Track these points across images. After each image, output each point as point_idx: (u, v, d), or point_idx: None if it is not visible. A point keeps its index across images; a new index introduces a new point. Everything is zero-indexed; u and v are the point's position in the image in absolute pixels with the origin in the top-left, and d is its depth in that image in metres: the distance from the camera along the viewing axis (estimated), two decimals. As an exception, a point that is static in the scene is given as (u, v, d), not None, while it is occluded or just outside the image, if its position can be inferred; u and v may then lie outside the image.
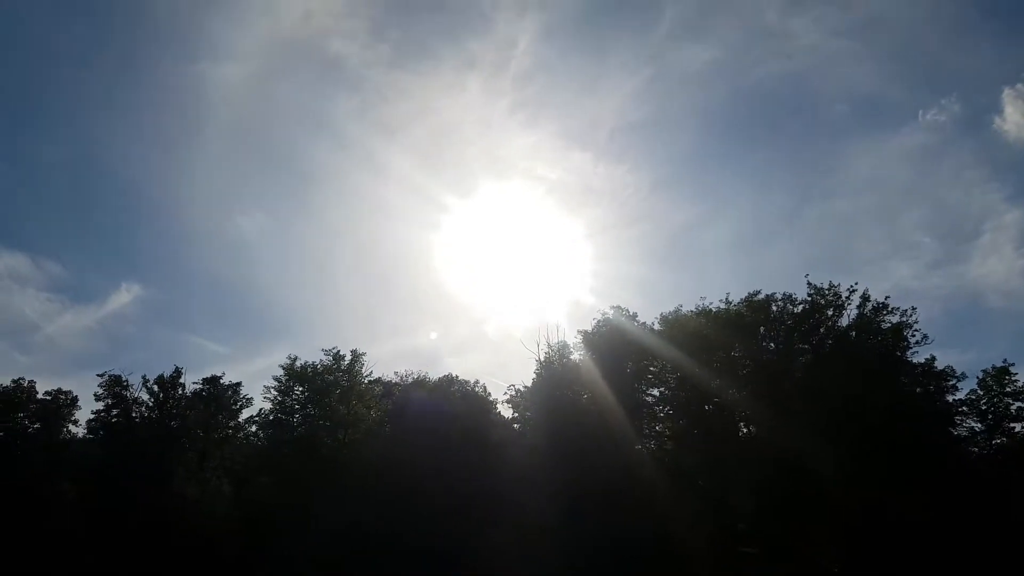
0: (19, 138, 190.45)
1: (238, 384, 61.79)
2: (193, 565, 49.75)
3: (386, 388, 67.46)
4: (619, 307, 58.07)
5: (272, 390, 59.42)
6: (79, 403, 60.89)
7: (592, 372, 54.21)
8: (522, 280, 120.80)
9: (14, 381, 59.97)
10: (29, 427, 59.55)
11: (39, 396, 59.79)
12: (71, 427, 60.50)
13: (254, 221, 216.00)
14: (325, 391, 59.48)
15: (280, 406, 59.64)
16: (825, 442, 42.77)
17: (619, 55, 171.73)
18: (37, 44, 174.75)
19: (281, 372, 59.77)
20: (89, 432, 58.82)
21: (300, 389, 60.01)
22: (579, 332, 58.36)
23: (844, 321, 50.73)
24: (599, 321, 57.60)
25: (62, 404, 59.78)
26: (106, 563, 49.16)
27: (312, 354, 62.46)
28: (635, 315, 57.50)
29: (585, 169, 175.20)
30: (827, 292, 51.18)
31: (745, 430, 53.02)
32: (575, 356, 58.25)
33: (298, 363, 59.96)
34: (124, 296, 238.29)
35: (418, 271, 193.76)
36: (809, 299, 51.65)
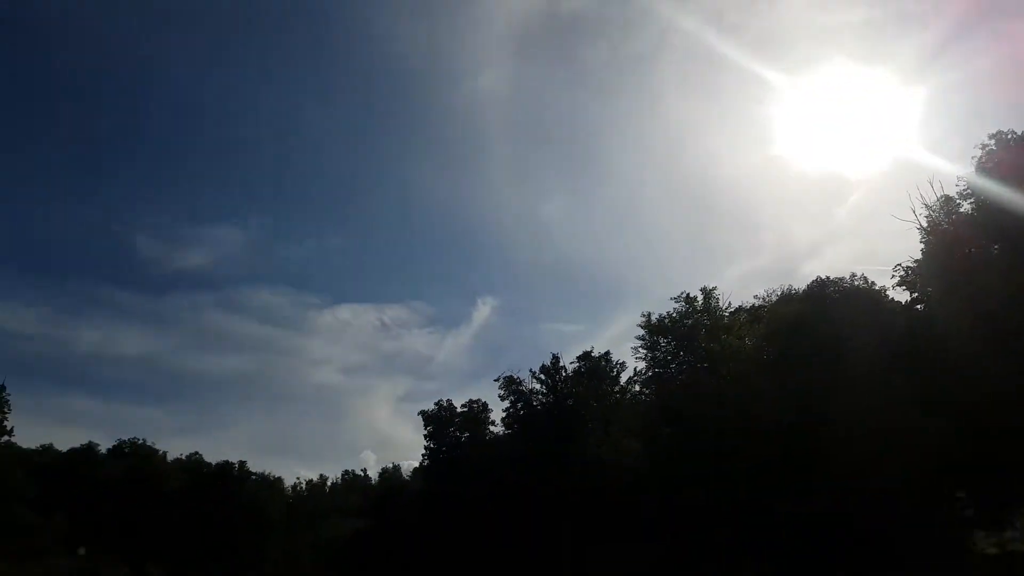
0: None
1: (607, 353, 66.02)
2: (617, 517, 54.42)
3: (751, 314, 65.29)
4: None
5: (640, 349, 62.14)
6: (489, 407, 70.99)
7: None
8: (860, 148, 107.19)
9: (436, 403, 72.27)
10: (460, 436, 71.30)
11: (459, 410, 71.15)
12: (491, 427, 70.86)
13: (554, 204, 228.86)
14: (689, 334, 60.09)
15: (653, 361, 61.97)
16: None
17: None
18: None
19: (641, 332, 62.16)
20: (506, 428, 68.29)
21: (665, 341, 61.56)
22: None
23: None
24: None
25: (478, 411, 70.31)
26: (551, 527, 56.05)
27: (660, 306, 63.17)
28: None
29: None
30: None
31: None
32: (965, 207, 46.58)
33: (653, 317, 61.65)
34: (483, 310, 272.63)
35: (740, 188, 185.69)
36: None
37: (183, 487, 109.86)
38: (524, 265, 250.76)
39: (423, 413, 72.55)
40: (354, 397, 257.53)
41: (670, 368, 61.52)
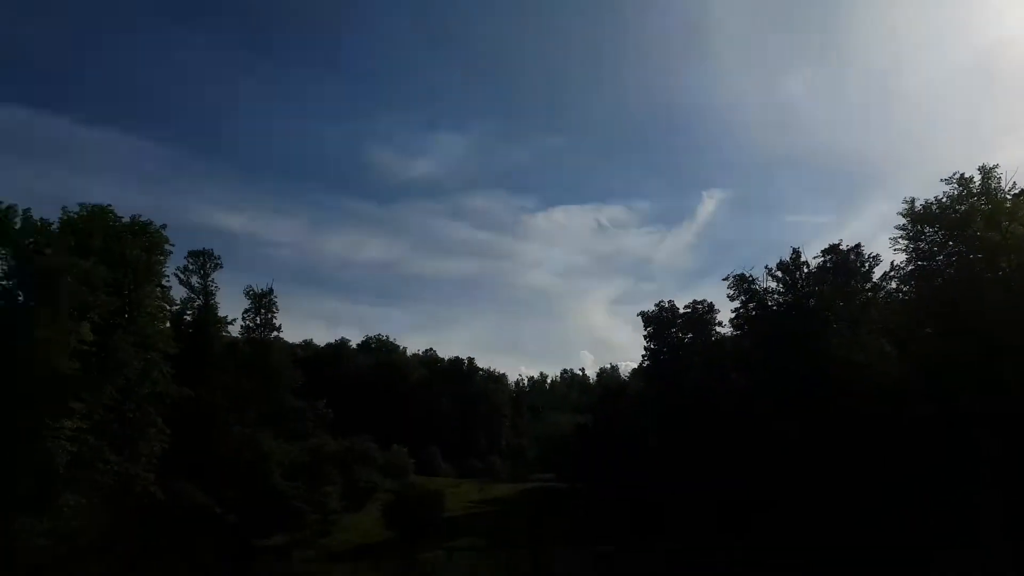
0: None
1: (857, 246, 58.76)
2: (874, 426, 49.25)
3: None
4: None
5: (899, 240, 54.35)
6: (716, 307, 67.12)
7: None
8: None
9: (657, 304, 69.74)
10: (683, 338, 68.52)
11: (681, 311, 68.18)
12: (717, 329, 67.18)
13: (794, 85, 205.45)
14: (962, 222, 51.36)
15: (915, 254, 54.18)
16: None
17: None
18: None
19: (902, 221, 54.27)
20: (735, 329, 64.28)
21: (931, 230, 53.33)
22: None
23: None
24: None
25: (703, 312, 66.79)
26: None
27: (924, 191, 54.74)
28: None
29: None
30: None
31: None
32: None
33: (918, 204, 53.32)
34: (709, 204, 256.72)
35: None
36: None
37: (420, 379, 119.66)
38: (758, 153, 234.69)
39: (643, 314, 70.63)
40: (570, 299, 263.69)
41: (936, 261, 53.35)
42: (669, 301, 69.39)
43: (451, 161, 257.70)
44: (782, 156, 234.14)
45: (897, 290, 57.86)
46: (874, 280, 58.89)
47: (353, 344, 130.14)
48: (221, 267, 66.95)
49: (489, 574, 39.78)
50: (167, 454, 51.93)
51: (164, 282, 58.37)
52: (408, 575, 41.06)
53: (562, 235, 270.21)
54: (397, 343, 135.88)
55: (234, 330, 69.50)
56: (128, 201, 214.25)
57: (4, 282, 51.45)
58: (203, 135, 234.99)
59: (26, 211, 52.59)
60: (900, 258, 55.85)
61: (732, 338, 66.14)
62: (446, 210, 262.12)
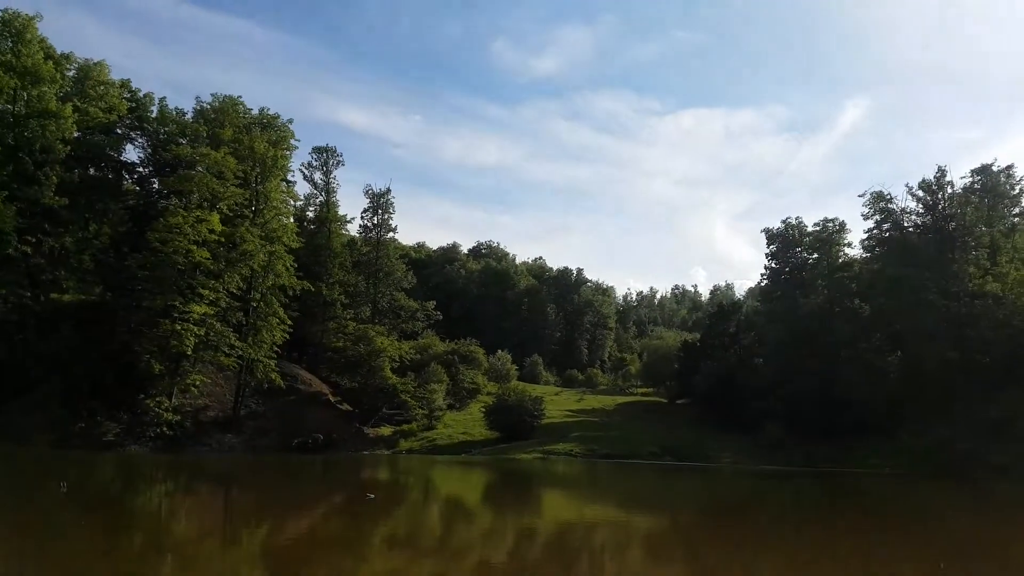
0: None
1: (1010, 167, 52.80)
2: (1005, 363, 45.51)
3: None
4: None
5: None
6: (847, 227, 62.41)
7: None
8: None
9: (783, 221, 65.60)
10: (808, 258, 64.53)
11: (809, 229, 63.82)
12: (846, 250, 62.70)
13: None
14: None
15: (1076, 177, 48.23)
16: None
17: None
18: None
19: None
20: (865, 251, 59.95)
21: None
22: None
23: None
24: None
25: (832, 231, 62.25)
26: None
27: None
28: None
29: None
30: None
31: None
32: None
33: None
34: (852, 113, 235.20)
35: None
36: None
37: (528, 288, 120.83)
38: (910, 58, 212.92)
39: (767, 231, 66.93)
40: (691, 211, 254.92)
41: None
42: (797, 218, 65.31)
43: (576, 57, 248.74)
44: (935, 61, 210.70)
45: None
46: (1023, 206, 53.13)
47: (464, 249, 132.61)
48: (343, 164, 69.04)
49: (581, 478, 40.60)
50: (288, 342, 55.42)
51: (289, 177, 60.90)
52: (507, 470, 42.56)
53: (688, 142, 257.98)
54: (507, 250, 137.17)
55: (352, 228, 72.11)
56: (256, 93, 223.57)
57: (140, 169, 55.24)
58: (327, 27, 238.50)
59: (162, 100, 55.74)
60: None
61: (862, 260, 61.96)
62: (567, 110, 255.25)
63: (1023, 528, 22.56)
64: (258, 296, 51.50)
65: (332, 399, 58.34)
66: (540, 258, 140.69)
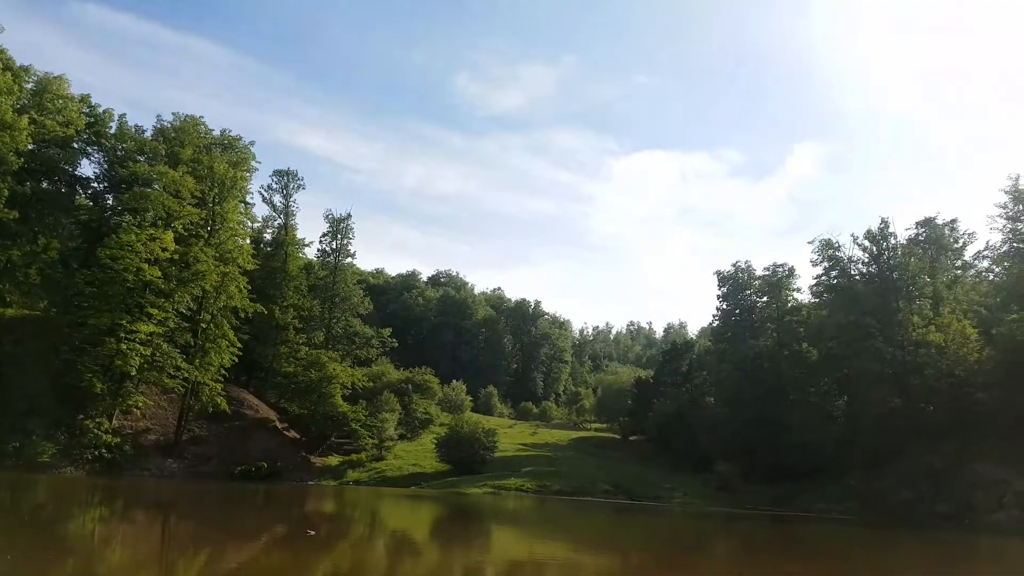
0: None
1: (953, 221, 55.20)
2: (948, 411, 46.90)
3: None
4: None
5: (997, 219, 50.77)
6: (796, 272, 64.35)
7: None
8: None
9: (734, 264, 67.51)
10: (757, 301, 66.26)
11: (758, 272, 65.70)
12: (795, 295, 64.56)
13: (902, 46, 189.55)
14: (1075, 204, 47.47)
15: (1012, 234, 50.53)
16: None
17: None
18: None
19: (1004, 198, 50.45)
20: (813, 296, 61.71)
21: (1036, 210, 49.47)
22: None
23: None
24: None
25: (781, 276, 64.12)
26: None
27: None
28: None
29: None
30: None
31: None
32: None
33: (1022, 181, 49.40)
34: (801, 159, 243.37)
35: None
36: None
37: (487, 317, 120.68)
38: (860, 109, 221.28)
39: (718, 273, 68.81)
40: (645, 249, 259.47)
41: (1033, 243, 49.74)
42: (746, 261, 67.45)
43: (538, 93, 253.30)
44: (884, 113, 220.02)
45: (988, 271, 54.44)
46: (965, 259, 55.51)
47: (423, 276, 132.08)
48: (303, 188, 68.52)
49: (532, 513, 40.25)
50: (236, 365, 54.11)
51: (248, 198, 60.12)
52: (457, 504, 41.93)
53: (643, 182, 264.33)
54: (466, 279, 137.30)
55: (310, 252, 71.34)
56: (218, 113, 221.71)
57: (95, 184, 53.84)
58: (293, 51, 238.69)
59: (121, 116, 54.66)
60: (996, 238, 52.48)
61: (810, 305, 63.75)
62: (528, 144, 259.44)
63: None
64: (208, 317, 50.40)
65: (279, 426, 56.99)
66: (498, 288, 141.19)
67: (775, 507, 48.09)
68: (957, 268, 56.42)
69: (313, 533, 24.28)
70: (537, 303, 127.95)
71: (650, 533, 32.82)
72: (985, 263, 55.37)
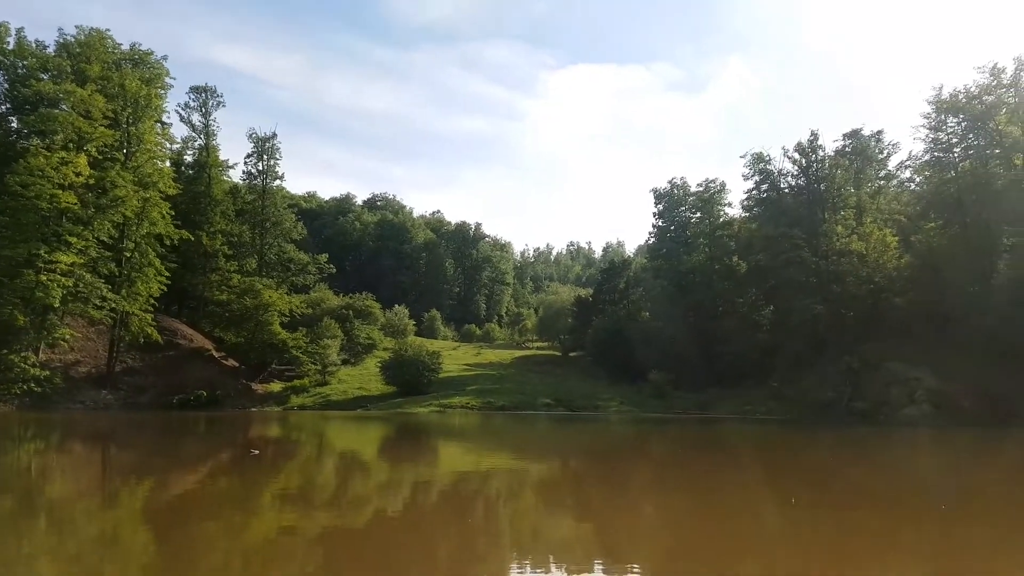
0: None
1: (879, 132, 56.94)
2: (866, 316, 49.67)
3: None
4: None
5: (921, 128, 52.55)
6: (728, 187, 65.95)
7: None
8: None
9: (669, 181, 68.75)
10: (691, 217, 67.84)
11: (692, 189, 66.96)
12: (727, 209, 66.27)
13: None
14: (986, 115, 49.47)
15: (934, 144, 52.55)
16: None
17: None
18: None
19: (928, 108, 52.17)
20: (744, 211, 63.44)
21: (954, 121, 51.45)
22: None
23: None
24: None
25: (713, 192, 65.60)
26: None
27: (959, 78, 52.40)
28: None
29: None
30: None
31: None
32: None
33: (944, 91, 51.07)
34: (736, 71, 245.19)
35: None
36: None
37: (427, 241, 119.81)
38: (790, 21, 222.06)
39: (654, 191, 69.56)
40: (581, 167, 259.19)
41: (952, 153, 51.92)
42: (682, 178, 68.46)
43: (469, 4, 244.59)
44: (814, 33, 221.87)
45: (910, 180, 56.80)
46: (889, 169, 57.63)
47: (359, 200, 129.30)
48: (224, 105, 65.29)
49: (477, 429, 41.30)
50: (166, 295, 52.59)
51: (164, 118, 57.15)
52: (403, 423, 42.58)
53: (578, 97, 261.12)
54: (404, 202, 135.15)
55: (235, 175, 68.77)
56: (124, 27, 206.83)
57: (-3, 107, 50.14)
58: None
59: (19, 31, 50.52)
60: (919, 148, 54.50)
61: (741, 219, 65.53)
62: (460, 59, 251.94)
63: (855, 463, 24.95)
64: (131, 245, 48.58)
65: (216, 355, 56.18)
66: (438, 211, 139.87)
67: (702, 411, 50.66)
68: (881, 179, 58.58)
69: (257, 452, 24.37)
70: (478, 225, 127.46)
71: (586, 440, 34.15)
72: (907, 173, 57.72)
